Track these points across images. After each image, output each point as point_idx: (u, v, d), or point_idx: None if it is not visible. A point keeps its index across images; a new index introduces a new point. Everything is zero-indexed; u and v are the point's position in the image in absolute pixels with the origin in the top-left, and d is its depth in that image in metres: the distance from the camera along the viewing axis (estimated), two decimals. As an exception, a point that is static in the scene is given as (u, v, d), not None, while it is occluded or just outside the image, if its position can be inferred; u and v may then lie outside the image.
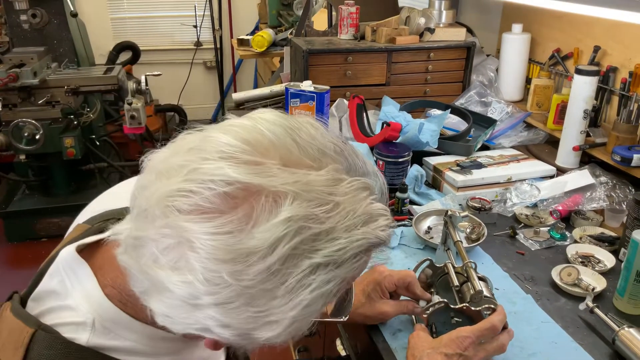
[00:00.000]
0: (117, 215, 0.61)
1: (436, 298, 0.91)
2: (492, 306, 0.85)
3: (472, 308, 0.85)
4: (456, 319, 0.88)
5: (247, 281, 0.43)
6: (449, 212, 1.09)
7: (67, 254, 0.58)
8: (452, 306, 0.87)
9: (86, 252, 0.59)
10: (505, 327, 0.85)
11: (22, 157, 3.06)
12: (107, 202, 0.69)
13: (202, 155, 0.46)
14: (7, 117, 2.89)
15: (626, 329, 0.90)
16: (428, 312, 0.87)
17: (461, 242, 1.03)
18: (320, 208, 0.45)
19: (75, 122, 2.93)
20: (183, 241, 0.43)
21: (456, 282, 0.91)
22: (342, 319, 0.62)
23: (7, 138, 2.90)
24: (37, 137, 2.80)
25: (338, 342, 1.21)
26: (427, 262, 0.97)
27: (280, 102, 1.84)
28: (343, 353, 1.17)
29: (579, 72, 1.40)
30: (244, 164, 0.45)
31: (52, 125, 2.84)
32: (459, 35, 1.82)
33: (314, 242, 0.45)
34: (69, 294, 0.55)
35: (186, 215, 0.43)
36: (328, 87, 1.49)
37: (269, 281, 0.44)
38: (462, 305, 0.86)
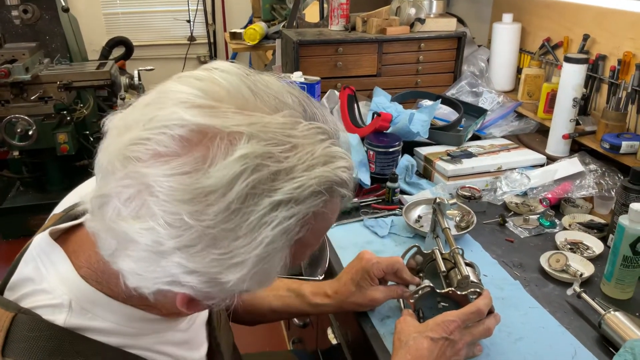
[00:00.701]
0: None
1: (425, 283, 0.91)
2: (478, 290, 0.86)
3: (458, 292, 0.86)
4: (443, 303, 0.89)
5: (207, 221, 0.43)
6: (438, 200, 1.10)
7: (40, 239, 0.58)
8: (437, 290, 0.87)
9: (61, 238, 0.59)
10: (491, 312, 0.85)
11: (16, 153, 3.05)
12: (84, 192, 0.69)
13: (159, 106, 0.47)
14: (0, 113, 2.89)
15: (612, 312, 0.90)
16: (416, 296, 0.88)
17: (449, 229, 1.03)
18: (277, 147, 0.45)
19: (69, 118, 2.92)
20: (142, 188, 0.44)
21: (443, 268, 0.92)
22: (318, 278, 0.62)
23: (0, 134, 2.89)
24: (30, 133, 2.79)
25: (329, 330, 1.22)
26: (415, 249, 0.98)
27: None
28: (334, 342, 1.18)
29: (568, 60, 1.40)
30: (198, 107, 0.46)
31: (45, 121, 2.83)
32: (449, 25, 1.83)
33: (274, 181, 0.45)
34: (43, 279, 0.55)
35: (144, 162, 0.44)
36: (318, 78, 1.49)
37: (229, 221, 0.44)
38: (448, 289, 0.87)
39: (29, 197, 3.20)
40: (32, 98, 2.83)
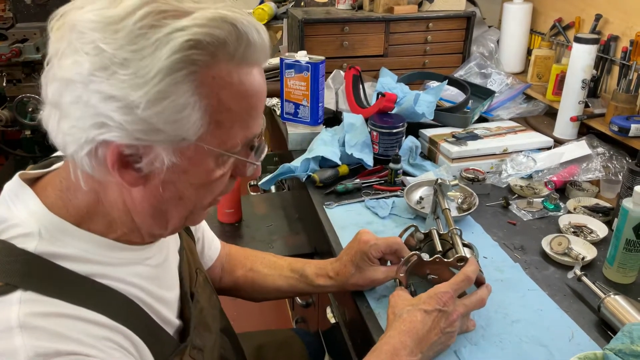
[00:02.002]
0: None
1: (424, 256, 0.91)
2: (463, 255, 0.86)
3: (445, 260, 0.87)
4: (432, 275, 0.89)
5: (117, 44, 0.51)
6: (439, 181, 1.09)
7: (11, 184, 0.62)
8: (424, 259, 0.88)
9: (33, 183, 0.63)
10: (482, 283, 0.87)
11: (28, 132, 3.09)
12: None
13: None
14: (12, 92, 2.91)
15: (612, 296, 0.89)
16: (404, 267, 0.88)
17: (449, 210, 1.02)
18: None
19: (79, 97, 2.94)
20: (68, 30, 0.53)
21: (439, 248, 0.91)
22: (256, 164, 0.65)
23: (12, 113, 2.93)
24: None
25: (328, 310, 1.22)
26: (412, 229, 0.97)
27: (278, 75, 1.83)
28: (333, 321, 1.18)
29: (578, 40, 1.36)
30: None
31: (56, 100, 2.85)
32: (459, 4, 1.79)
33: (167, 19, 0.52)
34: (14, 216, 0.58)
35: (75, 12, 0.53)
36: (323, 58, 1.47)
37: (135, 44, 0.51)
38: (434, 257, 0.87)
39: (40, 176, 3.23)
40: (43, 77, 2.85)
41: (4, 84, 2.91)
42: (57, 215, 0.59)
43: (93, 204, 0.61)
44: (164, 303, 0.69)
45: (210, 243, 0.99)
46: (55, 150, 0.62)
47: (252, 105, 0.59)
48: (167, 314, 0.70)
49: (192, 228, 0.92)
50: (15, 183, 0.62)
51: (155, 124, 0.53)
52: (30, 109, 2.83)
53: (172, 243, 0.78)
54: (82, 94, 0.52)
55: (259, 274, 1.02)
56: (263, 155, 0.66)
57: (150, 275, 0.68)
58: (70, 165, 0.60)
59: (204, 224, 0.98)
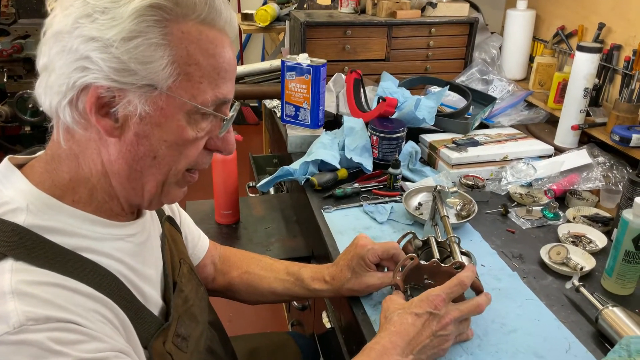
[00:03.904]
0: None
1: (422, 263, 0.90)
2: (461, 261, 0.85)
3: (442, 265, 0.86)
4: (429, 280, 0.88)
5: None
6: (438, 187, 1.08)
7: (0, 166, 0.65)
8: (422, 262, 0.87)
9: (21, 167, 0.66)
10: (480, 290, 0.86)
11: (27, 128, 3.09)
12: None
13: None
14: (12, 88, 2.92)
15: (610, 308, 0.88)
16: (401, 270, 0.87)
17: (448, 217, 1.02)
18: None
19: (79, 95, 2.94)
20: None
21: (437, 256, 0.90)
22: (226, 118, 0.68)
23: (12, 109, 2.92)
24: (41, 108, 2.81)
25: (324, 314, 1.21)
26: (410, 236, 0.96)
27: (279, 76, 1.82)
28: (328, 326, 1.18)
29: (581, 49, 1.36)
30: None
31: (56, 97, 2.85)
32: (461, 10, 1.78)
33: None
34: (3, 195, 0.62)
35: None
36: (325, 61, 1.46)
37: None
38: (431, 261, 0.87)
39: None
40: (43, 74, 2.85)
41: (5, 80, 2.91)
42: (44, 192, 0.63)
43: (74, 170, 0.64)
44: (146, 281, 0.71)
45: (196, 241, 1.00)
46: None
47: (220, 65, 0.63)
48: (150, 292, 0.72)
49: (177, 222, 0.92)
50: (4, 165, 0.65)
51: (127, 62, 0.57)
52: (30, 105, 2.83)
53: (153, 227, 0.79)
54: (67, 42, 0.58)
55: (255, 276, 1.02)
56: (231, 120, 0.69)
57: (133, 252, 0.70)
58: (54, 127, 0.64)
59: (189, 221, 0.99)
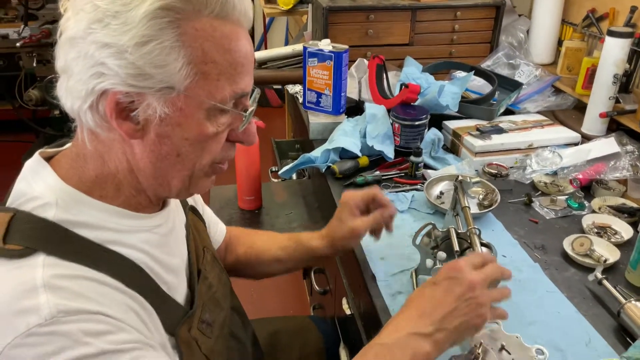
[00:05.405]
0: None
1: (441, 255, 0.90)
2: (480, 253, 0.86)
3: (459, 231, 0.88)
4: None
5: (108, 1, 0.57)
6: (460, 177, 1.07)
7: (31, 161, 0.67)
8: (439, 229, 0.91)
9: (50, 159, 0.67)
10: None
11: (57, 112, 3.15)
12: None
13: None
14: (42, 72, 2.97)
15: (633, 302, 0.88)
16: (419, 236, 0.91)
17: (469, 208, 1.01)
18: None
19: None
20: None
21: (457, 248, 0.90)
22: (244, 115, 0.68)
23: (42, 93, 2.99)
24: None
25: (344, 301, 1.23)
26: (430, 227, 0.96)
27: (301, 61, 1.82)
28: (348, 312, 1.19)
29: (611, 33, 1.32)
30: None
31: (84, 81, 2.89)
32: (488, -7, 1.74)
33: None
34: (34, 190, 0.63)
35: None
36: (347, 47, 1.45)
37: (119, 2, 0.57)
38: (446, 228, 0.90)
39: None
40: (71, 58, 2.89)
41: (34, 65, 2.96)
42: (72, 186, 0.64)
43: (100, 168, 0.65)
44: (171, 271, 0.73)
45: (215, 227, 1.02)
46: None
47: (237, 60, 0.63)
48: (175, 281, 0.73)
49: (200, 211, 0.94)
50: (34, 160, 0.66)
51: (143, 67, 0.57)
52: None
53: (178, 217, 0.81)
54: (82, 48, 0.58)
55: (259, 248, 1.07)
56: (251, 115, 0.69)
57: (159, 243, 0.71)
58: (78, 127, 0.65)
59: (207, 209, 1.01)
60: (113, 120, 0.60)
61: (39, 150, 0.68)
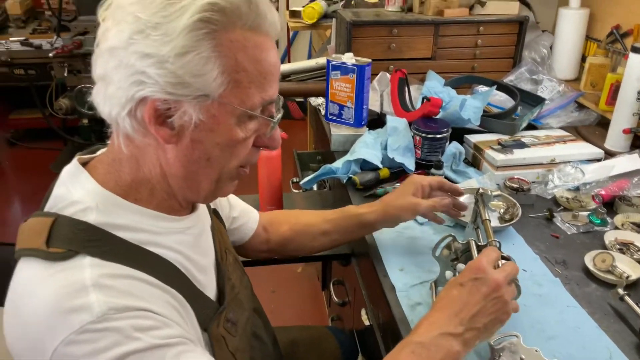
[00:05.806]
0: None
1: (460, 267, 0.91)
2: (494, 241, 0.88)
3: (479, 243, 0.89)
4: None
5: (149, 13, 0.60)
6: (481, 190, 1.08)
7: (69, 167, 0.70)
8: (459, 241, 0.93)
9: (86, 164, 0.71)
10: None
11: (85, 121, 3.24)
12: None
13: None
14: (72, 82, 3.06)
15: (655, 319, 0.87)
16: (439, 248, 0.93)
17: (489, 220, 1.01)
18: None
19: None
20: (115, 9, 0.63)
21: (477, 260, 0.90)
22: (273, 121, 0.71)
23: (72, 102, 3.08)
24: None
25: (363, 312, 1.23)
26: (450, 239, 0.97)
27: (324, 74, 1.85)
28: (367, 323, 1.20)
29: (635, 50, 1.32)
30: None
31: (112, 91, 2.97)
32: (511, 9, 1.75)
33: None
34: (73, 195, 0.66)
35: None
36: (369, 60, 1.47)
37: (165, 11, 0.60)
38: (467, 240, 0.91)
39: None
40: (101, 69, 2.97)
41: (65, 74, 3.06)
42: (109, 191, 0.67)
43: (135, 172, 0.68)
44: (202, 270, 0.76)
45: (248, 215, 1.06)
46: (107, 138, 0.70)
47: (266, 70, 0.66)
48: (205, 280, 0.77)
49: (226, 210, 0.99)
50: (72, 166, 0.70)
51: (182, 76, 0.60)
52: (88, 99, 2.97)
53: (205, 219, 0.85)
54: (123, 57, 0.60)
55: (305, 224, 1.11)
56: (278, 119, 0.72)
57: (192, 244, 0.75)
58: (114, 132, 0.68)
59: (237, 199, 1.05)
60: (151, 126, 0.63)
61: (77, 156, 0.72)
